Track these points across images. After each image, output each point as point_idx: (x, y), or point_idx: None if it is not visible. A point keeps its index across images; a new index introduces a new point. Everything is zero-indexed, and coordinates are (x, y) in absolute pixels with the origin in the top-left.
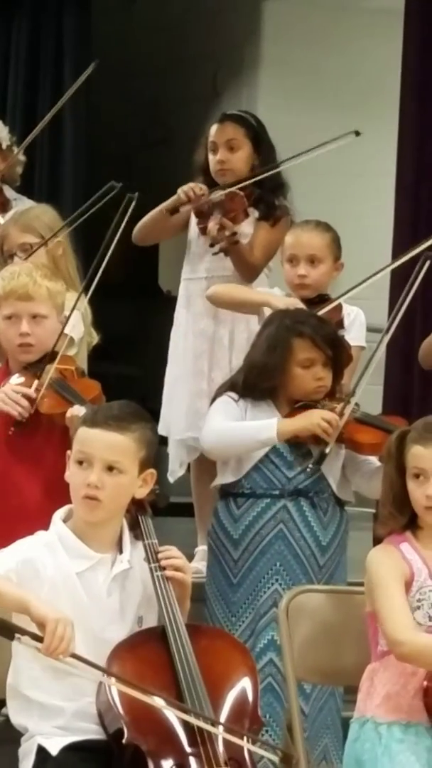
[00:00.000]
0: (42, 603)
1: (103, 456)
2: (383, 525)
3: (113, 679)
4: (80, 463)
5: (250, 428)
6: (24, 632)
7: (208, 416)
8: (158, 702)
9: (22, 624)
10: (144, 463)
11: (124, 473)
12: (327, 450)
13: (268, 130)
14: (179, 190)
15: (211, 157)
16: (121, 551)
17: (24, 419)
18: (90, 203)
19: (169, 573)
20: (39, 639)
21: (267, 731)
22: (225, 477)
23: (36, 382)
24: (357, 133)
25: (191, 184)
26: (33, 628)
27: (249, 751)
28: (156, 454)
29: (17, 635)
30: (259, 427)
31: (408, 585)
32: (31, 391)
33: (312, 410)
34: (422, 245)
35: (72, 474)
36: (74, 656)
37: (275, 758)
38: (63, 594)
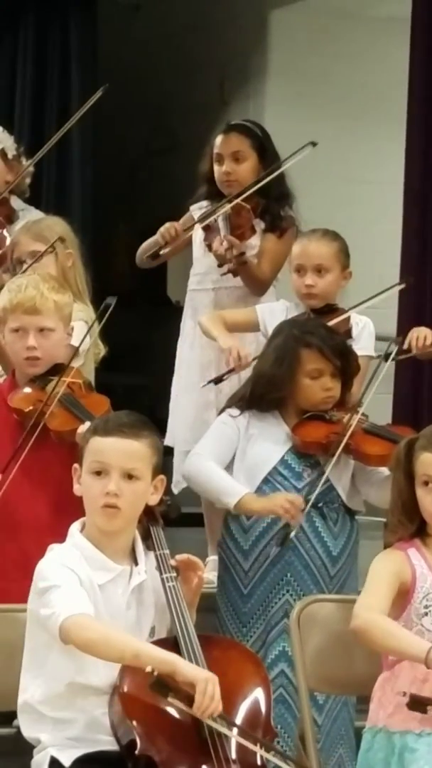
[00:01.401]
0: (187, 662)
1: (120, 464)
2: (392, 533)
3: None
4: (96, 473)
5: (220, 485)
6: (180, 691)
7: (204, 436)
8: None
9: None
10: (156, 469)
11: (141, 480)
12: (292, 534)
13: (275, 138)
14: (158, 232)
15: (216, 168)
16: (136, 563)
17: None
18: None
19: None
20: (190, 698)
21: (279, 742)
22: None
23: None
24: (314, 144)
25: (168, 225)
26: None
27: (262, 762)
28: (167, 464)
29: (171, 694)
30: (227, 490)
31: (409, 590)
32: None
33: (277, 494)
34: None
35: (88, 485)
36: (222, 717)
37: None
38: (90, 605)
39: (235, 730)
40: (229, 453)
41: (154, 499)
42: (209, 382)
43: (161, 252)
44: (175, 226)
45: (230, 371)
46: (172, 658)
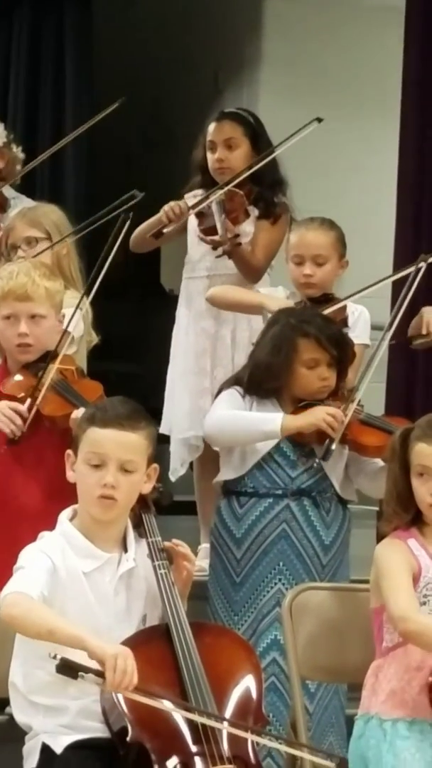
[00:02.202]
0: (97, 639)
1: (118, 456)
2: (387, 522)
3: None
4: (94, 465)
5: (254, 418)
6: (88, 670)
7: (214, 404)
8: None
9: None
10: (150, 459)
11: (137, 471)
12: (333, 446)
13: (268, 128)
14: (162, 210)
15: (209, 155)
16: (125, 550)
17: (16, 438)
18: (109, 209)
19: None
20: (101, 675)
21: (271, 730)
22: (227, 473)
23: (29, 400)
24: (319, 120)
25: (172, 203)
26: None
27: (253, 748)
28: (158, 452)
29: (80, 674)
30: (264, 418)
31: (415, 579)
32: (24, 409)
33: (317, 406)
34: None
35: (83, 475)
36: (138, 689)
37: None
38: (71, 595)
39: (225, 723)
40: None
41: (146, 488)
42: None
43: (164, 230)
44: (179, 204)
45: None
46: (83, 635)
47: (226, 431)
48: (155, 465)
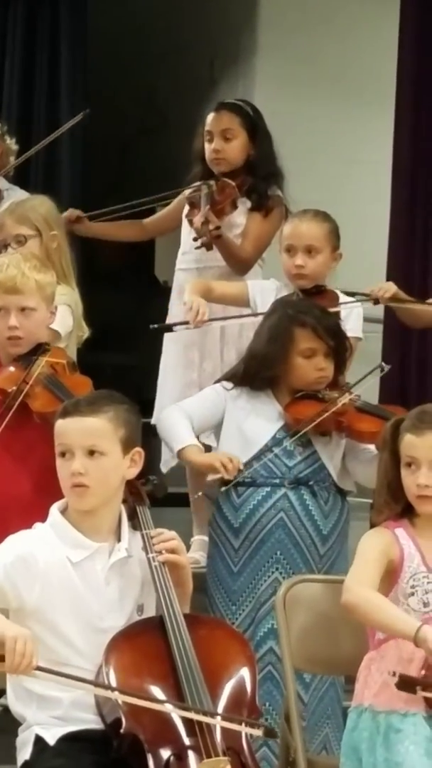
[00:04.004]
0: (3, 622)
1: (80, 442)
2: (378, 513)
3: (92, 686)
4: (63, 455)
5: (173, 431)
6: None
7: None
8: (152, 700)
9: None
10: (127, 443)
11: (105, 455)
12: (222, 489)
13: (265, 118)
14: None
15: (206, 146)
16: (119, 540)
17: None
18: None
19: (162, 557)
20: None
21: (267, 719)
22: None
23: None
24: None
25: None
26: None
27: (247, 740)
28: (151, 444)
29: None
30: (178, 437)
31: (397, 569)
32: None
33: (218, 451)
34: None
35: (58, 468)
36: (39, 668)
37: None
38: (57, 585)
39: (218, 718)
40: (207, 416)
41: (131, 473)
42: (157, 326)
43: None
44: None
45: (184, 323)
46: None
47: (159, 429)
48: (139, 449)
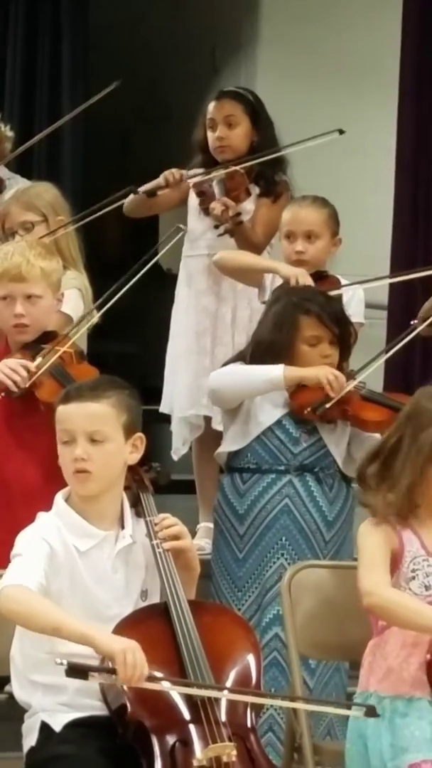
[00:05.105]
0: (105, 635)
1: (83, 427)
2: (388, 505)
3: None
4: (64, 441)
5: (257, 368)
6: (97, 669)
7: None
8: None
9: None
10: (128, 428)
11: (108, 441)
12: (327, 405)
13: (267, 107)
14: (161, 175)
15: (209, 134)
16: (123, 528)
17: (17, 389)
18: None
19: (167, 545)
20: (111, 671)
21: (271, 705)
22: (229, 444)
23: (37, 361)
24: (341, 132)
25: (173, 170)
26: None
27: (253, 725)
28: (155, 432)
29: (91, 674)
30: (266, 368)
31: (398, 557)
32: (32, 365)
33: (324, 366)
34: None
35: (60, 454)
36: (151, 678)
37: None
38: (66, 574)
39: (225, 692)
40: None
41: (133, 458)
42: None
43: (159, 192)
44: (181, 171)
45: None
46: (90, 632)
47: (231, 383)
48: (140, 434)
